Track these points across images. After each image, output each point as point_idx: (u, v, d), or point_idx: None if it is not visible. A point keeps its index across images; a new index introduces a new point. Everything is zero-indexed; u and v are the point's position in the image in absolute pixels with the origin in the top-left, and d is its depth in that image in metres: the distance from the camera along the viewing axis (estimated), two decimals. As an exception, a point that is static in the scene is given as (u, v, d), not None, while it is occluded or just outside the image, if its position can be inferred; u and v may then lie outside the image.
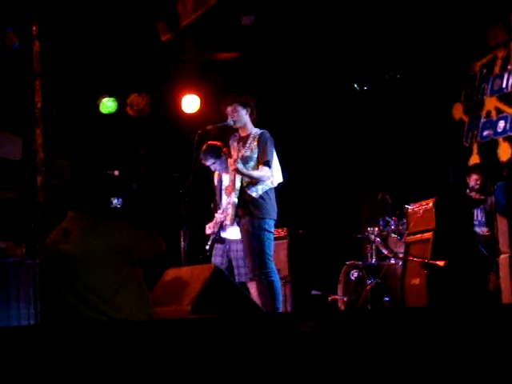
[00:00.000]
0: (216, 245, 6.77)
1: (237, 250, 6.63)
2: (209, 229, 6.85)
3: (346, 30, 8.18)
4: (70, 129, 9.18)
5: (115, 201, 4.38)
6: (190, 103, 9.37)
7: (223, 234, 6.77)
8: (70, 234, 4.18)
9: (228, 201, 6.59)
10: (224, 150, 6.82)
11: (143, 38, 8.32)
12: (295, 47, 8.58)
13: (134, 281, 4.19)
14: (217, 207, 6.87)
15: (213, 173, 7.03)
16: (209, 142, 6.82)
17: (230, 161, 6.26)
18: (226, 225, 6.69)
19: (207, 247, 6.74)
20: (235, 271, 6.59)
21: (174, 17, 7.97)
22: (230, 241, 6.70)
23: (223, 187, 6.87)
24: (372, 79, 8.98)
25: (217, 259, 6.72)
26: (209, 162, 6.82)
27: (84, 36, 8.22)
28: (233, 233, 6.63)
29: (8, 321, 6.96)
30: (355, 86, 9.03)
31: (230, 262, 6.72)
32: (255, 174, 6.24)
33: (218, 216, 6.73)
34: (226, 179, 6.88)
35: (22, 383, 3.16)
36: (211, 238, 6.79)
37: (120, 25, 8.07)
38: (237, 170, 6.19)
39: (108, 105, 9.21)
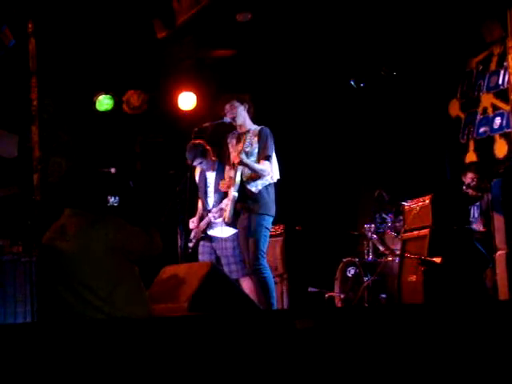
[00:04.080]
0: (203, 242, 6.79)
1: (225, 248, 6.65)
2: (192, 223, 6.86)
3: (343, 26, 8.17)
4: (67, 126, 9.17)
5: (112, 199, 4.37)
6: (187, 100, 9.36)
7: (210, 232, 6.79)
8: (66, 231, 4.17)
9: (217, 198, 6.63)
10: (208, 148, 6.87)
11: (139, 35, 8.31)
12: (291, 44, 8.57)
13: (130, 278, 4.18)
14: (204, 205, 6.89)
15: (194, 170, 7.04)
16: (192, 142, 6.84)
17: (234, 154, 6.26)
18: (214, 223, 6.71)
19: (190, 244, 6.76)
20: (225, 269, 6.60)
21: (170, 14, 7.97)
22: (218, 238, 6.72)
23: (208, 185, 6.90)
24: (368, 76, 8.98)
25: (204, 257, 6.74)
26: (196, 162, 6.84)
27: (80, 33, 8.20)
28: (220, 231, 6.64)
29: (4, 318, 6.96)
30: (352, 83, 9.02)
31: (218, 259, 6.73)
32: (257, 166, 6.26)
33: (212, 216, 6.75)
34: (211, 177, 6.91)
35: (19, 381, 3.16)
36: (193, 234, 6.80)
37: (116, 22, 8.06)
38: (241, 162, 6.18)
39: (104, 102, 9.19)
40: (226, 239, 6.64)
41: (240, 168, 6.25)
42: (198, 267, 5.29)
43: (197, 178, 7.03)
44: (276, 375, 3.49)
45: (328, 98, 9.42)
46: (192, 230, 6.87)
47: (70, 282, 4.09)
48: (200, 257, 6.75)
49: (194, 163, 6.87)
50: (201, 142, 6.91)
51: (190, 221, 6.89)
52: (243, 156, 6.18)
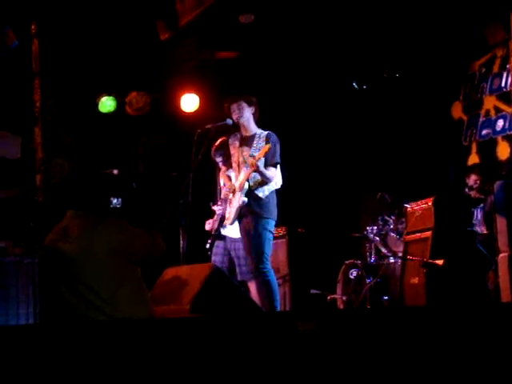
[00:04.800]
0: (216, 243, 6.77)
1: (238, 249, 6.63)
2: (208, 224, 6.85)
3: (345, 28, 8.17)
4: (69, 128, 9.17)
5: (115, 200, 4.37)
6: (189, 102, 9.37)
7: (224, 232, 6.76)
8: (69, 233, 4.17)
9: (229, 199, 6.61)
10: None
11: (142, 36, 8.32)
12: (294, 46, 8.58)
13: (133, 280, 4.18)
14: (216, 202, 6.88)
15: (217, 170, 7.04)
16: (223, 139, 6.83)
17: (251, 159, 6.25)
18: (225, 223, 6.69)
19: (207, 246, 6.74)
20: (237, 270, 6.60)
21: (173, 15, 7.97)
22: (232, 239, 6.70)
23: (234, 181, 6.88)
24: (371, 78, 8.98)
25: (217, 257, 6.72)
26: (220, 158, 6.85)
27: (83, 35, 8.21)
28: (234, 231, 6.63)
29: (7, 320, 6.96)
30: (354, 85, 9.02)
31: (230, 260, 6.72)
32: (268, 173, 6.28)
33: (218, 210, 6.73)
34: (233, 177, 6.89)
35: (22, 382, 3.16)
36: (212, 234, 6.79)
37: (119, 23, 8.07)
38: (257, 169, 6.19)
39: (107, 104, 9.20)
40: (239, 240, 6.62)
41: (247, 173, 6.27)
42: (200, 269, 5.28)
43: (221, 182, 7.02)
44: (278, 377, 3.48)
45: (330, 99, 9.42)
46: (208, 231, 6.86)
47: (73, 283, 4.09)
48: (213, 257, 6.72)
49: (219, 159, 6.85)
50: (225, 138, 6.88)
51: (207, 222, 6.88)
52: (260, 163, 6.20)
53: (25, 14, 7.47)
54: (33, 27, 7.35)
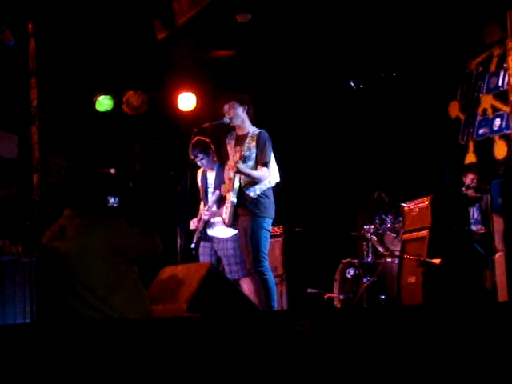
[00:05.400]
0: (203, 243, 6.79)
1: (227, 248, 6.65)
2: (193, 224, 6.86)
3: (342, 27, 8.17)
4: (67, 127, 9.18)
5: (112, 199, 4.37)
6: (186, 101, 9.38)
7: (210, 232, 6.77)
8: (66, 232, 4.17)
9: (214, 199, 6.63)
10: (212, 147, 6.85)
11: (139, 35, 8.31)
12: (291, 45, 8.58)
13: (130, 279, 4.18)
14: (205, 205, 6.89)
15: (196, 170, 7.04)
16: (198, 138, 6.82)
17: (231, 162, 6.26)
18: (213, 223, 6.70)
19: (192, 245, 6.75)
20: (226, 269, 6.61)
21: (170, 15, 7.97)
22: (219, 239, 6.71)
23: (208, 185, 6.89)
24: (368, 77, 8.98)
25: (205, 258, 6.73)
26: (197, 158, 6.81)
27: (80, 34, 8.20)
28: (221, 231, 6.64)
29: (4, 319, 6.96)
30: (351, 84, 9.02)
31: (218, 260, 6.73)
32: (255, 174, 6.27)
33: (204, 215, 6.74)
34: (211, 177, 6.90)
35: (19, 381, 3.16)
36: (196, 235, 6.80)
37: (116, 23, 8.06)
38: (238, 171, 6.19)
39: (104, 103, 9.20)
40: (226, 239, 6.63)
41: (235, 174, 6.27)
42: (197, 268, 5.30)
43: (199, 180, 7.02)
44: (276, 376, 3.49)
45: (327, 99, 9.42)
46: (193, 230, 6.87)
47: (70, 282, 4.09)
48: (201, 258, 6.75)
49: (196, 159, 6.82)
50: (205, 139, 6.89)
51: (191, 221, 6.89)
52: (240, 166, 6.19)
53: (22, 13, 7.46)
54: (30, 26, 7.33)
